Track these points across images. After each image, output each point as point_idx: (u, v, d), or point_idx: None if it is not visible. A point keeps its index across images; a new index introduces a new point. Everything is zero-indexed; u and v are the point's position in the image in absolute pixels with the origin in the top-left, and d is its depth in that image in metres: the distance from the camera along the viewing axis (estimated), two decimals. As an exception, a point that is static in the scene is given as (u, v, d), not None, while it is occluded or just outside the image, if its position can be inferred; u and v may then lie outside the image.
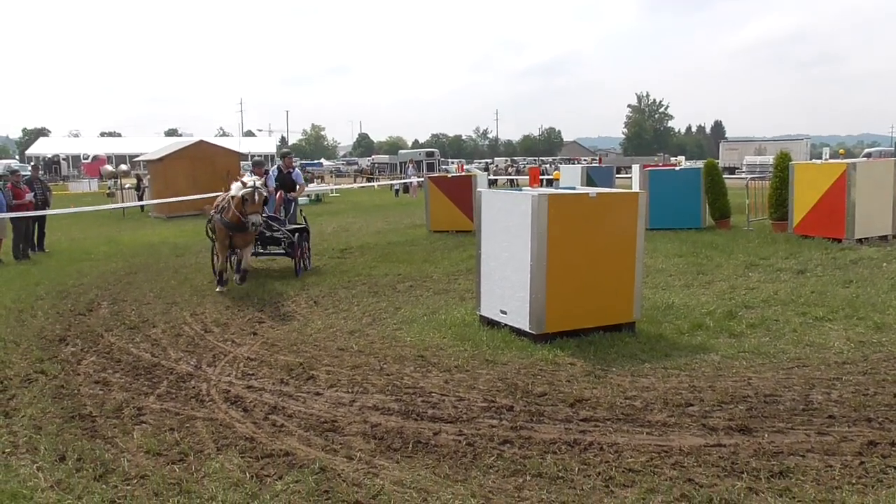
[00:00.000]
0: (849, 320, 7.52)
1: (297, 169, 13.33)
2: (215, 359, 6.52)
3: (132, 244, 16.09)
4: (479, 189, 9.29)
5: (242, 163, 27.66)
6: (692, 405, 5.15)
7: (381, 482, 3.92)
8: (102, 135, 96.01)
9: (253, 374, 5.99)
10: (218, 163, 22.36)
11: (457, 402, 5.23)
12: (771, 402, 5.19)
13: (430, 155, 58.85)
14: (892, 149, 42.60)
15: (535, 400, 5.29)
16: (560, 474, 4.02)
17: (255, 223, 9.40)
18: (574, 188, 8.91)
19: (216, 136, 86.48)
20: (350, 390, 5.50)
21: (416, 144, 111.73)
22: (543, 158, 72.87)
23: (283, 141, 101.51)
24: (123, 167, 36.19)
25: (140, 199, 25.88)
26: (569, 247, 6.79)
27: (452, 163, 61.59)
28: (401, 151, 74.22)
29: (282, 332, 7.48)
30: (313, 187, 30.00)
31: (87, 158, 62.46)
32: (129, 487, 3.97)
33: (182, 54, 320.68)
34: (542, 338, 6.77)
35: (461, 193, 16.12)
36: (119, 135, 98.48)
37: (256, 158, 13.38)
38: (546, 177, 30.83)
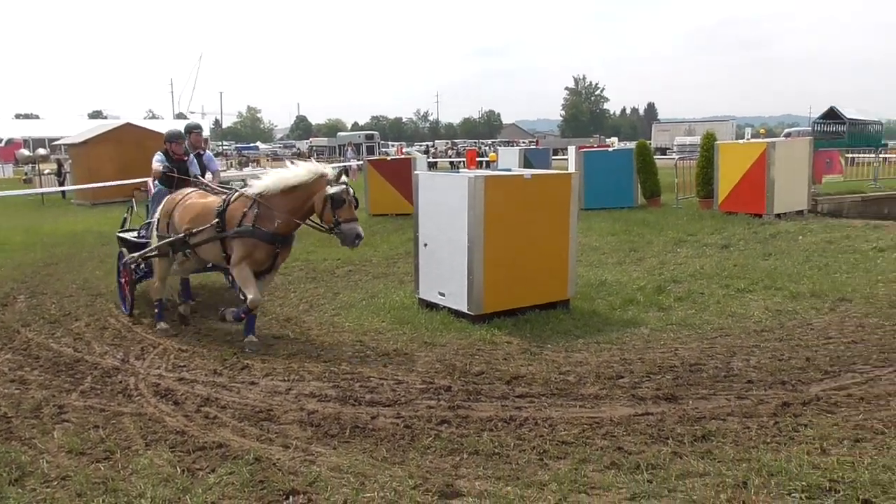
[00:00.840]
0: (767, 291, 7.90)
1: (209, 151, 9.46)
2: (143, 351, 6.36)
3: (53, 233, 15.26)
4: (416, 171, 9.31)
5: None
6: (623, 377, 5.34)
7: (318, 469, 3.94)
8: (17, 117, 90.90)
9: (184, 366, 5.88)
10: (147, 146, 21.45)
11: (395, 385, 5.28)
12: (695, 370, 5.43)
13: (369, 138, 58.45)
14: (810, 129, 44.44)
15: (472, 379, 5.38)
16: (496, 450, 4.12)
17: (358, 236, 6.05)
18: (510, 170, 9.02)
19: (145, 118, 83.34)
20: (286, 378, 5.48)
21: (355, 127, 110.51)
22: (483, 141, 73.24)
23: (217, 124, 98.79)
24: (42, 151, 34.62)
25: (61, 185, 24.79)
26: (505, 228, 6.90)
27: (392, 145, 61.29)
28: (340, 134, 73.37)
29: (215, 321, 7.36)
30: (249, 171, 29.35)
31: None
32: (48, 490, 3.80)
33: (108, 31, 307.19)
34: (480, 318, 6.87)
35: (401, 176, 16.06)
36: (36, 117, 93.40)
37: (172, 130, 8.39)
38: (483, 158, 31.04)
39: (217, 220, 6.39)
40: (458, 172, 7.53)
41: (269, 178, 6.26)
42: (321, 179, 6.03)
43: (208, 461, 4.08)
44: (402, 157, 18.29)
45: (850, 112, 43.92)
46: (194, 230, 6.57)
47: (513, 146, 41.25)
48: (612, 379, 5.29)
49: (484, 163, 29.63)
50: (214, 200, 6.71)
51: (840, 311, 7.11)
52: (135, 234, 8.27)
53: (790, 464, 3.76)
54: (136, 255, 7.44)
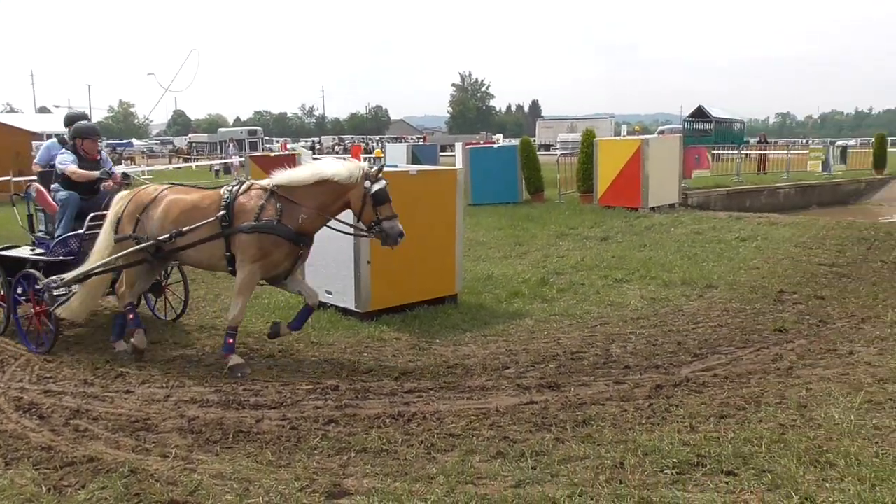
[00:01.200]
0: (643, 280, 8.33)
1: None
2: (3, 363, 5.88)
3: None
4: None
5: (35, 143, 24.82)
6: (508, 368, 5.46)
7: (199, 477, 3.78)
8: None
9: (51, 377, 5.47)
10: (4, 142, 19.99)
11: (281, 387, 5.15)
12: (577, 358, 5.64)
13: (252, 133, 56.60)
14: (681, 126, 47.27)
15: (361, 377, 5.33)
16: (384, 447, 4.11)
17: (400, 234, 5.48)
18: (397, 166, 9.02)
19: (3, 111, 77.09)
20: (165, 385, 5.22)
21: (237, 122, 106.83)
22: (371, 137, 72.81)
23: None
24: None
25: None
26: (390, 224, 6.87)
27: (276, 141, 59.72)
28: (221, 130, 70.65)
29: (85, 328, 6.90)
30: (121, 170, 27.77)
31: None
32: None
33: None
34: (368, 316, 6.83)
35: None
36: None
37: (86, 124, 6.99)
38: (368, 155, 30.80)
39: (223, 212, 5.48)
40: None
41: (301, 170, 5.61)
42: (360, 175, 5.45)
43: (78, 477, 3.82)
44: (287, 153, 17.85)
45: (716, 111, 46.98)
46: (185, 228, 5.55)
47: (401, 142, 41.26)
48: (498, 370, 5.40)
49: (374, 159, 29.46)
50: (209, 193, 5.83)
51: (707, 297, 7.60)
52: (29, 249, 6.77)
53: (663, 442, 3.98)
54: (69, 275, 5.96)
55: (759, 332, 6.27)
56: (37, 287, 6.09)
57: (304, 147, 40.80)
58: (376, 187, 5.40)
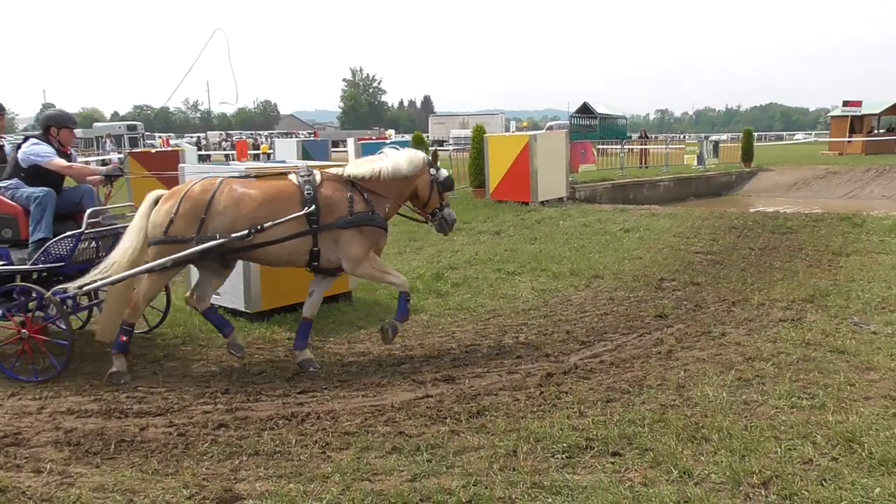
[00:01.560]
0: (534, 272, 8.56)
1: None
2: None
3: None
4: (182, 165, 8.77)
5: None
6: (404, 363, 5.47)
7: (78, 491, 3.56)
8: None
9: None
10: None
11: (167, 392, 4.93)
12: (471, 350, 5.73)
13: (132, 129, 53.69)
14: (568, 122, 48.94)
15: (252, 379, 5.20)
16: (277, 449, 4.02)
17: (454, 220, 6.04)
18: (285, 162, 8.81)
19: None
20: (38, 396, 4.88)
21: (115, 117, 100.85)
22: (260, 132, 70.84)
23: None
24: None
25: None
26: (280, 222, 6.72)
27: (158, 137, 57.03)
28: (96, 125, 66.61)
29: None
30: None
31: None
32: None
33: None
34: (258, 316, 6.66)
35: (167, 170, 15.01)
36: None
37: (62, 112, 6.28)
38: (255, 151, 30.01)
39: (312, 207, 5.22)
40: (229, 165, 7.19)
41: (380, 162, 5.52)
42: (426, 164, 5.70)
43: (-63, 502, 3.51)
44: (170, 149, 17.08)
45: (600, 108, 48.86)
46: (266, 224, 5.16)
47: (291, 138, 40.35)
48: (393, 366, 5.41)
49: (259, 155, 28.72)
50: (279, 184, 5.44)
51: (594, 287, 7.91)
52: None
53: (553, 428, 4.11)
54: (87, 280, 5.25)
55: (642, 318, 6.58)
56: (33, 303, 5.30)
57: (188, 143, 39.18)
58: (443, 174, 5.72)
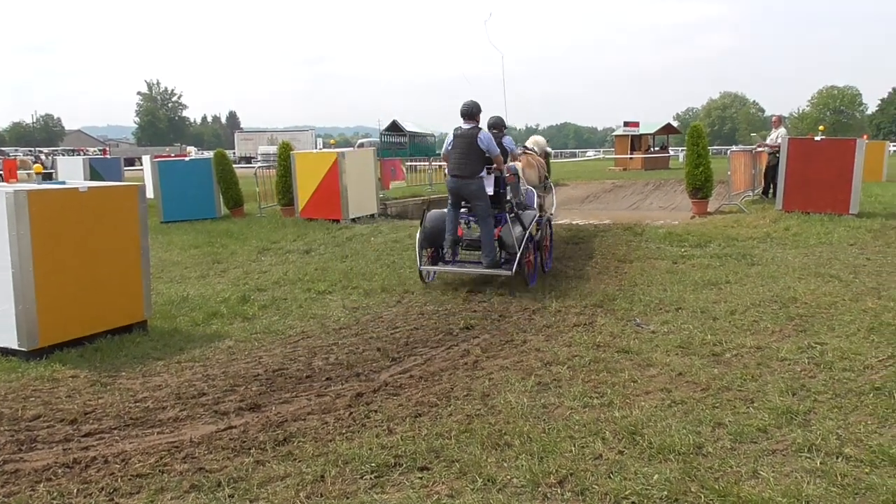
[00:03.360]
0: (345, 290, 8.49)
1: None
2: None
3: None
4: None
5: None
6: (205, 394, 5.15)
7: None
8: None
9: None
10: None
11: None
12: (279, 375, 5.52)
13: None
14: (379, 139, 49.55)
15: (26, 426, 4.61)
16: (55, 501, 3.59)
17: None
18: (65, 182, 8.01)
19: None
20: None
21: None
22: (41, 149, 64.05)
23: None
24: None
25: None
26: (60, 248, 6.08)
27: None
28: None
29: None
30: None
31: None
32: None
33: None
34: (35, 354, 5.95)
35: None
36: None
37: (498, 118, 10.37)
38: (26, 171, 26.91)
39: None
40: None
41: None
42: None
43: None
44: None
45: (409, 126, 49.97)
46: None
47: (78, 155, 36.93)
48: (194, 398, 5.06)
49: (31, 174, 25.83)
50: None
51: (405, 302, 7.99)
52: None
53: (362, 449, 4.06)
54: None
55: (451, 330, 6.75)
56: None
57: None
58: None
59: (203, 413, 4.78)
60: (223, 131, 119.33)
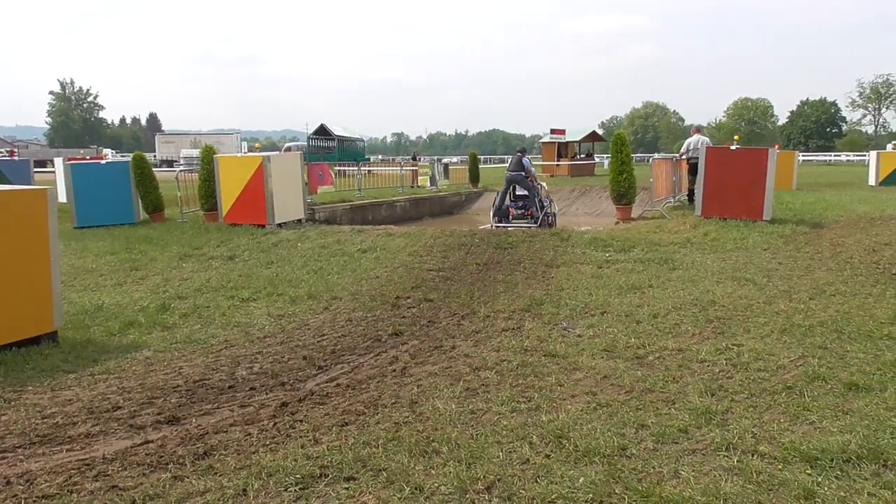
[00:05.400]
0: (270, 297, 8.29)
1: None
2: None
3: None
4: None
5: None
6: (120, 408, 4.91)
7: None
8: None
9: None
10: None
11: None
12: (200, 386, 5.33)
13: None
14: (307, 143, 48.81)
15: (-80, 446, 4.29)
16: (-49, 528, 3.35)
17: None
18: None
19: None
20: None
21: None
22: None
23: None
24: None
25: None
26: (-41, 255, 5.70)
27: None
28: None
29: None
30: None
31: None
32: None
33: None
34: (-68, 368, 5.55)
35: None
36: None
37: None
38: None
39: None
40: None
41: None
42: None
43: None
44: None
45: (337, 130, 49.49)
46: None
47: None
48: (107, 412, 4.82)
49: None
50: None
51: (333, 309, 7.86)
52: None
53: (287, 460, 3.95)
54: None
55: (379, 337, 6.67)
56: None
57: None
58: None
59: (117, 428, 4.55)
60: (143, 133, 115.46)
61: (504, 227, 14.97)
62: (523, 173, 16.21)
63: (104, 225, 14.32)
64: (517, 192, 16.35)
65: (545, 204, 16.09)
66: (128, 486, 3.73)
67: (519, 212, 15.95)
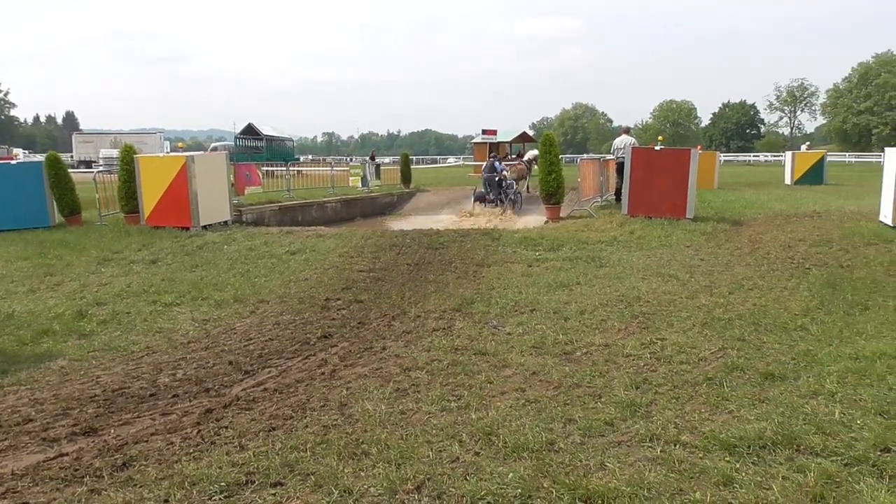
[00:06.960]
0: (195, 302, 8.05)
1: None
2: None
3: None
4: None
5: None
6: (32, 420, 4.68)
7: None
8: None
9: None
10: None
11: None
12: (119, 395, 5.13)
13: None
14: (234, 143, 47.70)
15: None
16: None
17: None
18: None
19: None
20: None
21: None
22: None
23: None
24: None
25: None
26: None
27: None
28: None
29: None
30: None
31: None
32: None
33: None
34: None
35: None
36: None
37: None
38: None
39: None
40: None
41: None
42: None
43: None
44: None
45: (266, 129, 48.58)
46: None
47: None
48: (18, 425, 4.58)
49: None
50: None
51: (260, 312, 7.69)
52: None
53: (211, 468, 3.83)
54: None
55: (308, 340, 6.56)
56: None
57: None
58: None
59: (29, 441, 4.33)
60: (59, 133, 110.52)
61: (483, 207, 21.16)
62: (495, 174, 21.31)
63: (15, 229, 13.60)
64: (489, 186, 21.59)
65: (510, 192, 21.35)
66: (40, 502, 3.55)
67: (491, 199, 21.36)
